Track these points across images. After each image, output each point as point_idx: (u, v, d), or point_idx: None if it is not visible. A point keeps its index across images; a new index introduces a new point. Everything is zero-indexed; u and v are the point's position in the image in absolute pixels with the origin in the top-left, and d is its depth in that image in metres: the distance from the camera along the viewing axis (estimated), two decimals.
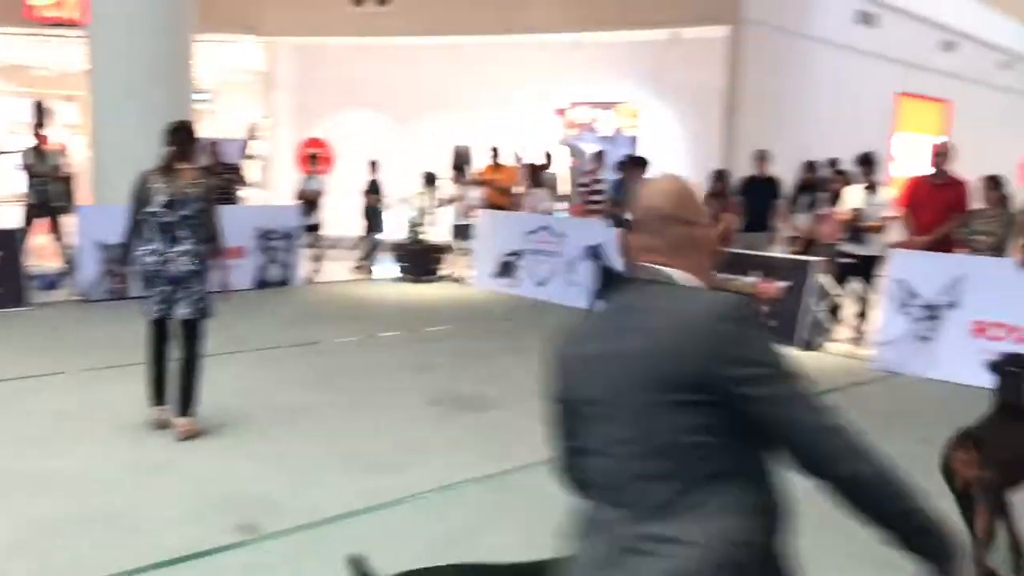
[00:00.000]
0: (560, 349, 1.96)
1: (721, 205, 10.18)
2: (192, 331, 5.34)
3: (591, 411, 1.80)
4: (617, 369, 1.75)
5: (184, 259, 5.24)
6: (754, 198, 10.16)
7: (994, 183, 8.01)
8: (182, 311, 5.29)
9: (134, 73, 10.36)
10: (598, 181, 11.98)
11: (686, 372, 1.66)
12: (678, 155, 14.01)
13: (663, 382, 1.68)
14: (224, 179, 10.97)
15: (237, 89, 17.73)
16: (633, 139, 15.19)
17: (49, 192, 10.18)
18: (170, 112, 9.88)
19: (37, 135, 10.45)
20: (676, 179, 1.96)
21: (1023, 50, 22.18)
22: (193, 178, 5.31)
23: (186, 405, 5.30)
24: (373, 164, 13.18)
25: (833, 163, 10.79)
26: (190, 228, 5.25)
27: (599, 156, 12.53)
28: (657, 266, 1.84)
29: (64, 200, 10.25)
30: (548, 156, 13.19)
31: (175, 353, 5.40)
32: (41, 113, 10.66)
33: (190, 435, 5.26)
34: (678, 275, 1.83)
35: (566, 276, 10.83)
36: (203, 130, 11.85)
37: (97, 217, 9.37)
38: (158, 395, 5.45)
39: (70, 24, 15.34)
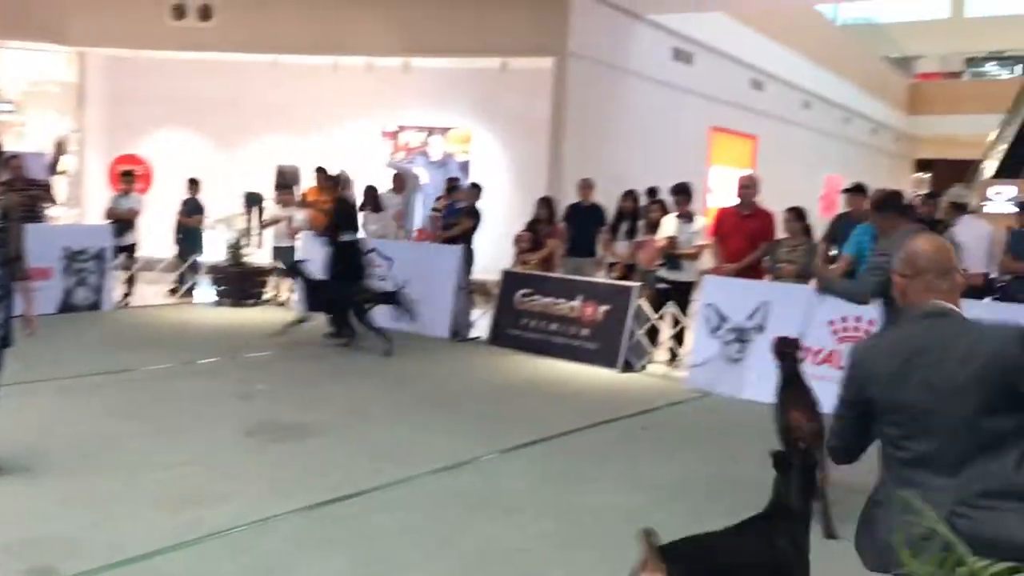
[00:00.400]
0: (873, 362, 2.63)
1: (547, 231, 10.44)
2: None
3: (925, 406, 2.49)
4: (947, 375, 2.46)
5: None
6: (579, 225, 10.46)
7: (797, 215, 8.57)
8: None
9: None
10: (454, 208, 12.04)
11: (1008, 370, 2.41)
12: (508, 181, 14.27)
13: (989, 380, 2.41)
14: (29, 196, 10.27)
15: (44, 101, 16.68)
16: (464, 164, 15.34)
17: None
18: None
19: None
20: (943, 240, 2.77)
21: (821, 91, 24.02)
22: None
23: None
24: (192, 183, 12.68)
25: (652, 192, 11.25)
26: None
27: (453, 183, 12.54)
28: (943, 302, 2.59)
29: None
30: (400, 178, 12.94)
31: None
32: None
33: None
34: (957, 310, 2.59)
35: None
36: (6, 143, 11.07)
37: None
38: None
39: None
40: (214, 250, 12.50)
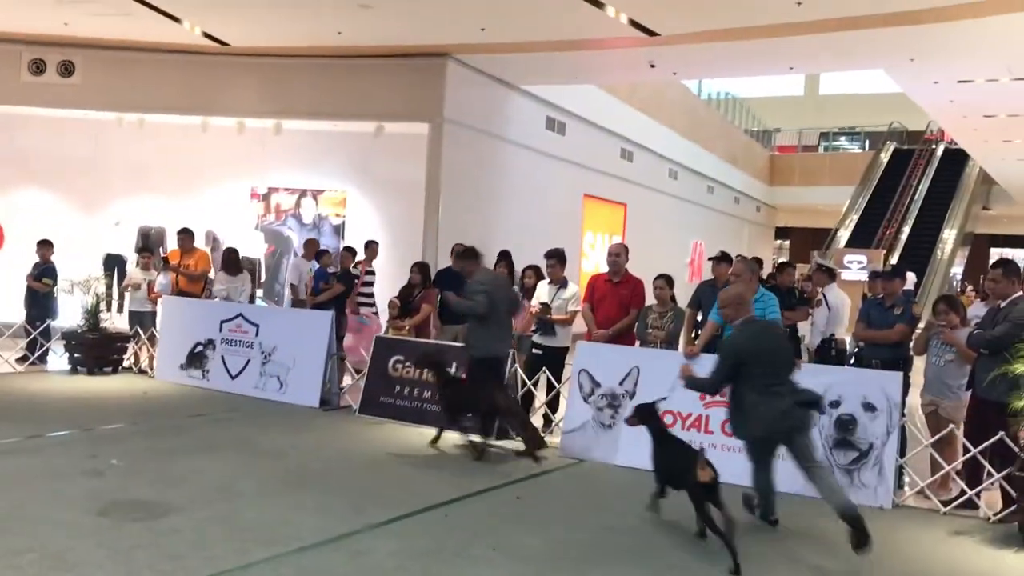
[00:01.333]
0: (743, 343, 5.88)
1: (421, 295, 10.37)
2: None
3: (771, 358, 5.86)
4: (774, 345, 5.99)
5: None
6: (453, 290, 10.39)
7: (667, 281, 8.80)
8: None
9: None
10: (370, 273, 11.80)
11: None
12: (382, 244, 14.15)
13: (786, 349, 6.23)
14: None
15: None
16: (338, 227, 15.17)
17: None
18: None
19: None
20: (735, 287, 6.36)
21: (687, 161, 25.02)
22: None
23: None
24: (43, 244, 12.07)
25: (505, 255, 11.41)
26: None
27: (370, 247, 12.31)
28: (751, 316, 6.17)
29: None
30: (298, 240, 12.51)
31: None
32: None
33: None
34: (755, 317, 6.32)
35: (263, 367, 10.42)
36: None
37: None
38: None
39: None
40: (70, 315, 11.88)
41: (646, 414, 6.16)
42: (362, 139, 14.68)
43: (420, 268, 10.66)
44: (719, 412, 7.60)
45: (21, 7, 12.89)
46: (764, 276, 11.08)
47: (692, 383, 6.26)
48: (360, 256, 12.05)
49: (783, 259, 15.66)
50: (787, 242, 43.58)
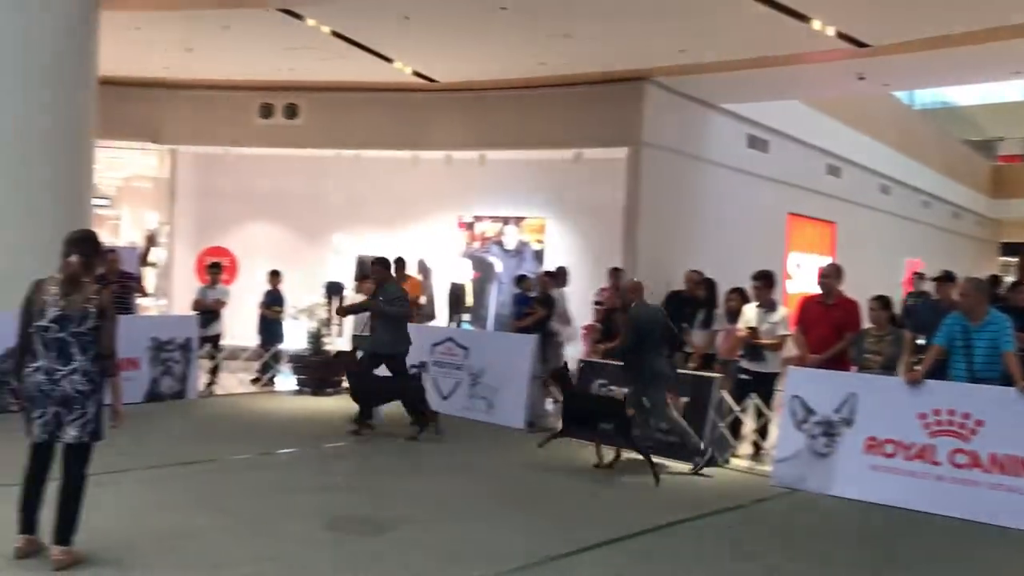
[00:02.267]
0: (639, 318, 8.27)
1: (623, 320, 10.35)
2: (78, 454, 5.03)
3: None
4: (654, 320, 8.43)
5: (75, 378, 4.95)
6: (682, 317, 10.21)
7: (883, 303, 8.34)
8: (70, 434, 4.97)
9: (30, 176, 10.06)
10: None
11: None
12: (581, 270, 14.27)
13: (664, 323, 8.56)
14: (122, 288, 10.65)
15: (137, 196, 17.42)
16: (539, 253, 15.43)
17: None
18: (70, 219, 9.62)
19: None
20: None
21: (900, 175, 23.66)
22: (92, 293, 5.07)
23: (65, 533, 4.94)
24: (273, 274, 13.00)
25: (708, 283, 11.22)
26: (82, 345, 4.99)
27: (561, 272, 12.61)
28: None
29: None
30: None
31: (56, 475, 5.06)
32: None
33: (67, 564, 4.87)
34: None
35: (471, 389, 10.73)
36: (102, 237, 11.44)
37: None
38: (28, 523, 5.06)
39: None
40: (296, 339, 12.73)
41: (558, 376, 8.77)
42: (561, 166, 14.89)
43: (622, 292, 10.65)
44: (946, 441, 7.11)
45: (253, 57, 14.08)
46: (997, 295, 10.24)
47: None
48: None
49: (1014, 278, 14.44)
50: (1016, 259, 40.16)
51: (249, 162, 16.37)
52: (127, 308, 10.66)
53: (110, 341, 5.08)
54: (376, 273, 10.00)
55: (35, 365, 4.98)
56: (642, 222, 13.98)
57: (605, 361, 9.97)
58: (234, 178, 16.49)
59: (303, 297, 13.16)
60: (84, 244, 5.16)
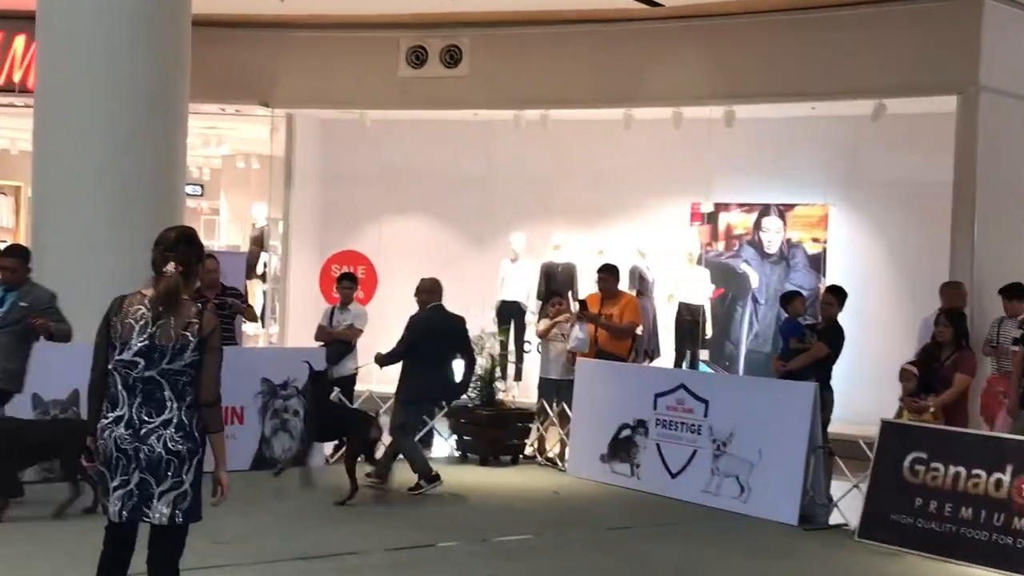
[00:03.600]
0: (427, 324, 10.80)
1: (952, 359, 9.94)
2: (169, 539, 5.20)
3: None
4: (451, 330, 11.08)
5: (167, 433, 5.09)
6: None
7: None
8: (160, 512, 5.11)
9: (100, 156, 10.72)
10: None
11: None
12: (883, 283, 13.82)
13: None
14: (227, 310, 10.87)
15: (241, 182, 18.26)
16: (816, 258, 15.06)
17: None
18: (154, 213, 10.12)
19: None
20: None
21: None
22: (192, 315, 5.17)
23: None
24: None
25: None
26: (178, 389, 5.13)
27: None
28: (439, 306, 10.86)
29: None
30: None
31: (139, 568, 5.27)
32: None
33: None
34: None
35: (715, 463, 10.56)
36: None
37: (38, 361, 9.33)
38: None
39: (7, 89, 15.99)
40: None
41: (315, 378, 10.19)
42: (852, 126, 14.50)
43: (949, 317, 10.21)
44: None
45: None
46: None
47: None
48: None
49: None
50: None
51: (393, 131, 16.81)
52: (231, 337, 11.02)
53: (213, 383, 5.20)
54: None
55: (114, 415, 5.13)
56: (981, 208, 13.36)
57: (923, 425, 9.58)
58: (372, 154, 16.94)
59: (467, 321, 13.34)
60: (183, 247, 5.24)
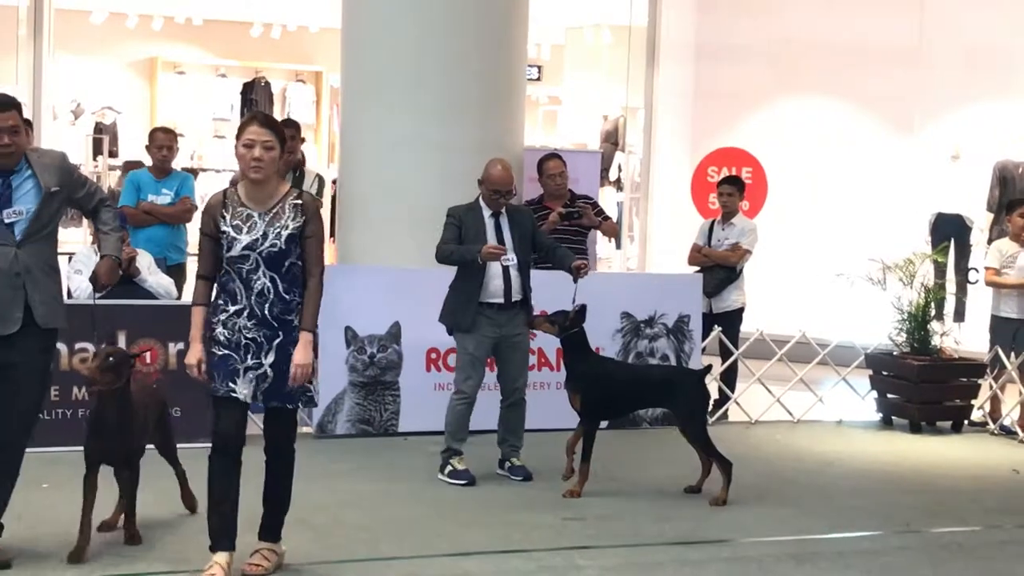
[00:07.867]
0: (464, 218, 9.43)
1: None
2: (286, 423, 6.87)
3: None
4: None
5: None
6: None
7: None
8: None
9: (423, 32, 11.00)
10: None
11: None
12: None
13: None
14: (578, 229, 11.41)
15: (588, 60, 18.37)
16: None
17: None
18: (489, 100, 10.33)
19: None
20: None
21: None
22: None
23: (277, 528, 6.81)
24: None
25: None
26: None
27: None
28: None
29: None
30: None
31: None
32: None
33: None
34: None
35: None
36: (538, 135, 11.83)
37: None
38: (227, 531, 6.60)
39: None
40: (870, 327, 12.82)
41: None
42: None
43: None
44: None
45: None
46: None
47: None
48: None
49: None
50: None
51: None
52: (582, 254, 11.12)
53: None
54: None
55: (235, 308, 6.59)
56: None
57: None
58: (763, 22, 16.80)
59: (889, 239, 13.00)
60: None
